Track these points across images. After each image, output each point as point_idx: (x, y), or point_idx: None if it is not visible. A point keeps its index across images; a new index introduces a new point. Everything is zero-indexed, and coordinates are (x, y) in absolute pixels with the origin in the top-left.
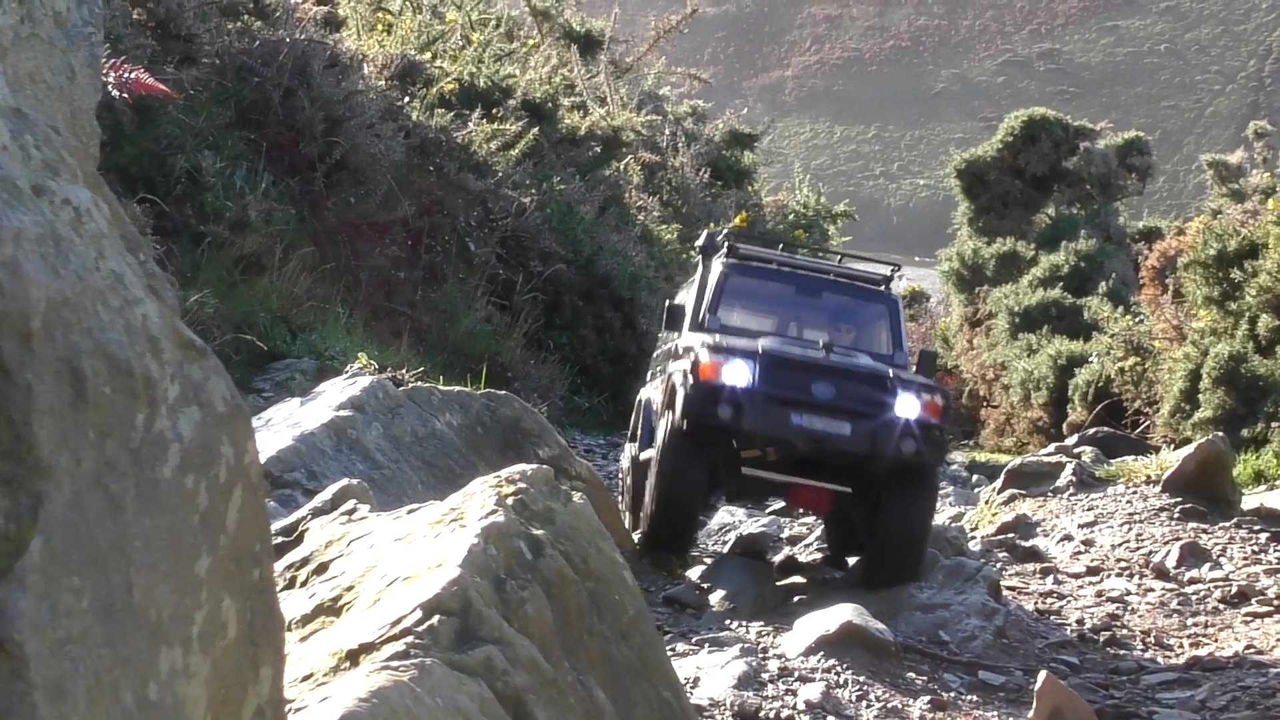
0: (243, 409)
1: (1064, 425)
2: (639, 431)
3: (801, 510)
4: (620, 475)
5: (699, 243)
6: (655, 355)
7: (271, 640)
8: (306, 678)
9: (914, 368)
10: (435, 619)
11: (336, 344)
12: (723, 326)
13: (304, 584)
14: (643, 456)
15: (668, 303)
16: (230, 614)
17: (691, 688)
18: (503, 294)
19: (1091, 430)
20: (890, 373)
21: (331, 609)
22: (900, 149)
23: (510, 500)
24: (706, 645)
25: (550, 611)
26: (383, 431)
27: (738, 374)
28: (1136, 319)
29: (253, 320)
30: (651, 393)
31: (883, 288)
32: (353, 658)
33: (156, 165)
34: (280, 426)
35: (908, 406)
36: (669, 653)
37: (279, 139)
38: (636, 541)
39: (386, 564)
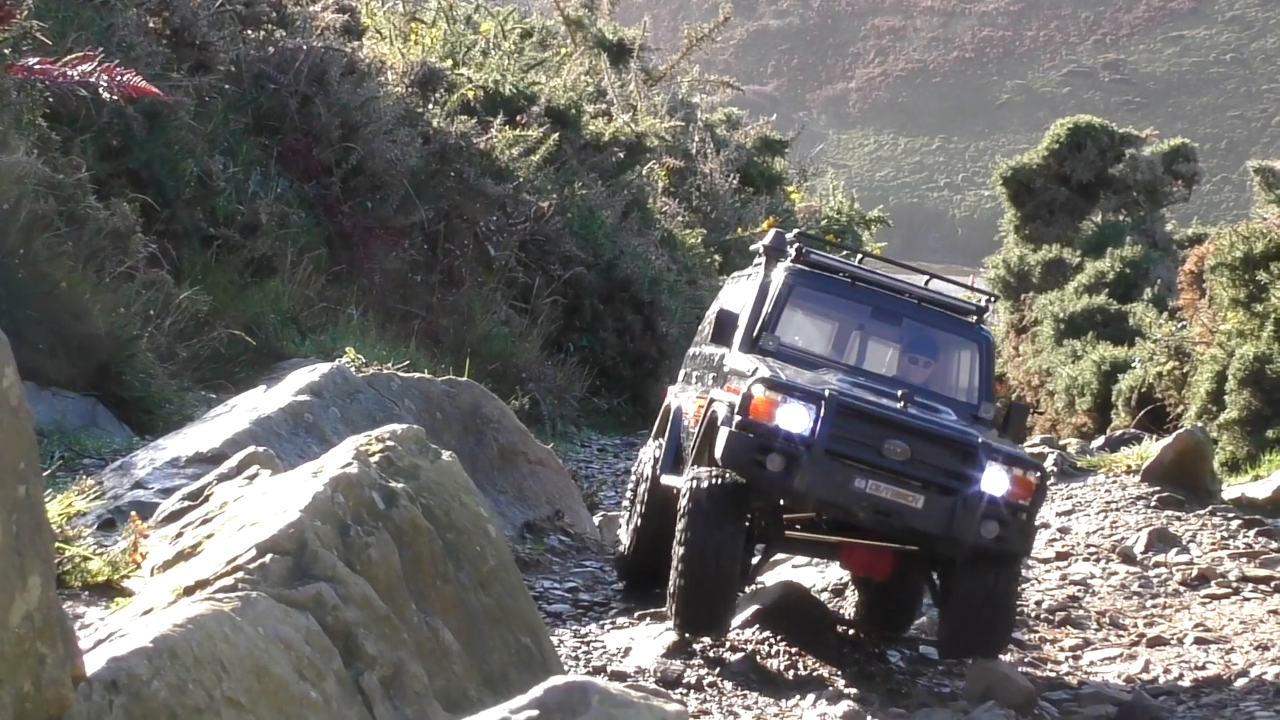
0: (1, 338)
1: (1108, 430)
2: (665, 443)
3: (857, 575)
4: (632, 477)
5: (764, 242)
6: (691, 354)
7: (40, 552)
8: (146, 612)
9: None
10: (268, 557)
11: (346, 344)
12: (780, 349)
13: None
14: (665, 479)
15: (718, 308)
16: None
17: (622, 657)
18: (522, 297)
19: (1119, 433)
20: (980, 439)
21: (190, 554)
22: (965, 160)
23: (376, 456)
24: (648, 618)
25: (399, 557)
26: (340, 415)
27: (796, 419)
28: (1180, 324)
29: (262, 321)
30: (685, 401)
31: (975, 320)
32: (189, 593)
33: (168, 169)
34: (241, 411)
35: (995, 482)
36: (609, 625)
37: (295, 145)
38: (671, 618)
39: (246, 513)
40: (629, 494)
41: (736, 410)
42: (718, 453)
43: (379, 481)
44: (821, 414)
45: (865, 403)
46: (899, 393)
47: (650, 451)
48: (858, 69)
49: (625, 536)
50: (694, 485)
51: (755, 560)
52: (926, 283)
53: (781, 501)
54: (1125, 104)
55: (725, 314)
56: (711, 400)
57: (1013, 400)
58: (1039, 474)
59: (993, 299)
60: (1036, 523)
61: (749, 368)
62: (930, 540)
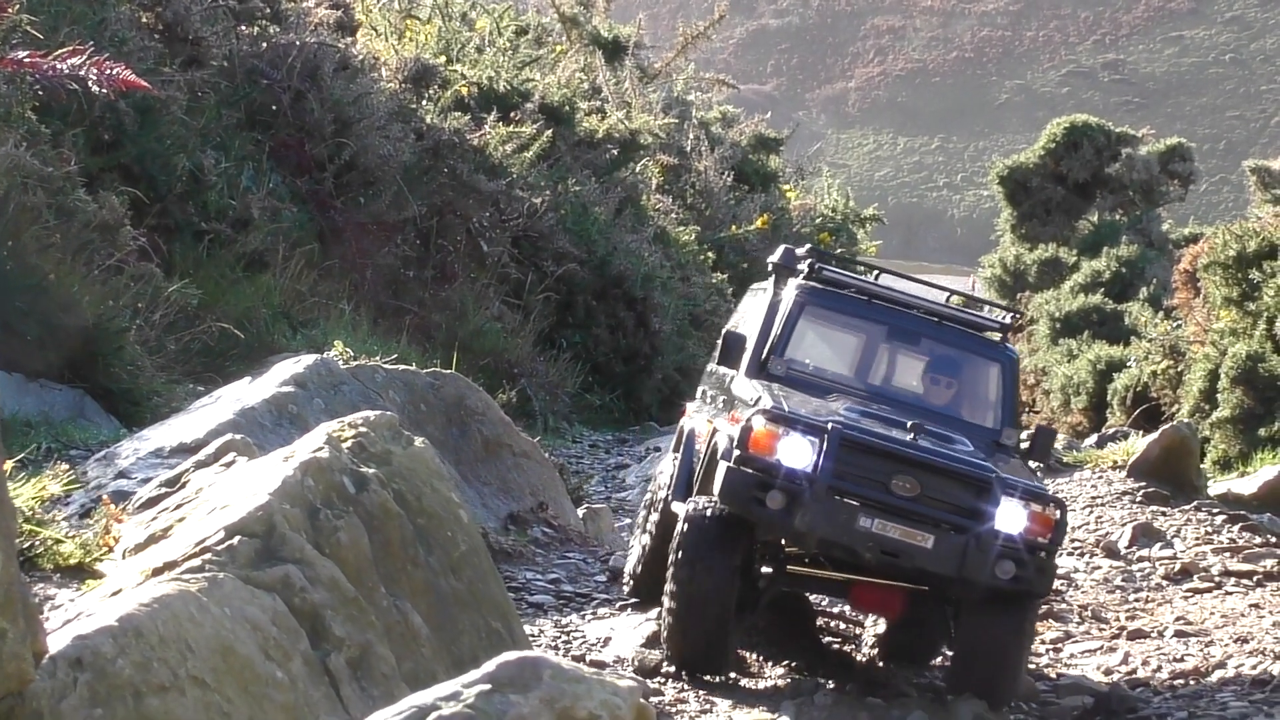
0: None
1: (1103, 429)
2: (679, 467)
3: (867, 615)
4: (648, 489)
5: (774, 258)
6: (708, 371)
7: (1, 528)
8: (115, 593)
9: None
10: (236, 539)
11: (337, 339)
12: (790, 373)
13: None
14: (674, 506)
15: (725, 329)
16: None
17: (601, 646)
18: (515, 293)
19: (1112, 431)
20: (994, 473)
21: (162, 537)
22: (964, 160)
23: (348, 442)
24: (629, 609)
25: (369, 541)
26: (324, 407)
27: (798, 453)
28: (1175, 324)
29: (253, 315)
30: (699, 423)
31: (999, 337)
32: (157, 574)
33: (159, 164)
34: (226, 402)
35: (1011, 519)
36: (590, 616)
37: (287, 140)
38: (666, 653)
39: (218, 497)
40: (644, 504)
41: (736, 443)
42: (716, 488)
43: (350, 466)
44: (825, 448)
45: (871, 435)
46: (909, 423)
47: (667, 465)
48: (857, 68)
49: (634, 555)
50: (687, 520)
51: (761, 587)
52: (948, 299)
53: (783, 540)
54: (1124, 104)
55: (732, 335)
56: (715, 430)
57: (1040, 425)
58: (1059, 509)
59: (1018, 315)
60: (1057, 562)
61: (752, 396)
62: (941, 581)
